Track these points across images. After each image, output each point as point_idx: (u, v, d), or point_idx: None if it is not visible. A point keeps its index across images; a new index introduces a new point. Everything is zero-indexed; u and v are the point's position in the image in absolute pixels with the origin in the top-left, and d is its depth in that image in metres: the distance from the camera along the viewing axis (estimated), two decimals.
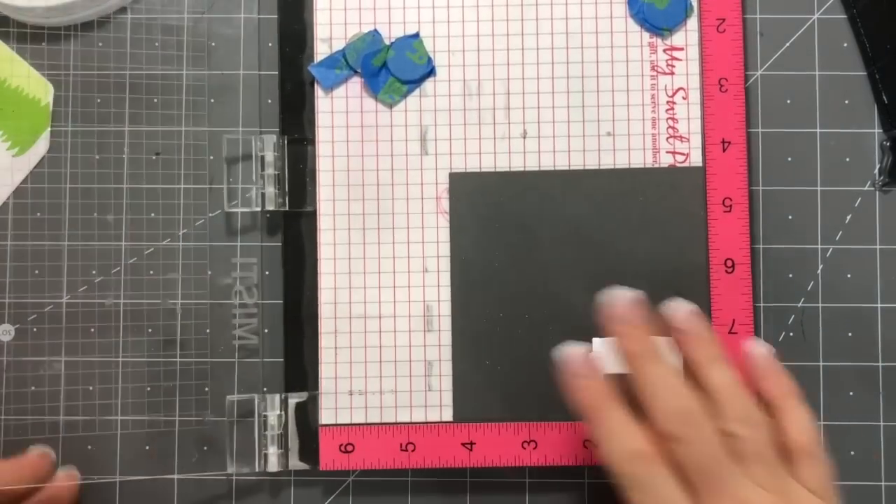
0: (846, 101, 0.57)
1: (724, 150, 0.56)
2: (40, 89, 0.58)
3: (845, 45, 0.58)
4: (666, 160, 0.56)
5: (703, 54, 0.56)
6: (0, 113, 0.58)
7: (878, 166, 0.57)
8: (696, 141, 0.56)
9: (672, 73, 0.56)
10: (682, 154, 0.56)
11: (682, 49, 0.57)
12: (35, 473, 0.54)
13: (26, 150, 0.58)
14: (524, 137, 0.57)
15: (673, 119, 0.56)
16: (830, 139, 0.57)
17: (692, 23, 0.57)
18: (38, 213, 0.58)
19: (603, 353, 0.47)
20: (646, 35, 0.57)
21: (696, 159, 0.56)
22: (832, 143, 0.57)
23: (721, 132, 0.56)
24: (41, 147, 0.58)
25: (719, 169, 0.56)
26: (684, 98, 0.56)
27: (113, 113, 0.58)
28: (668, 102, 0.56)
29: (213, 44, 0.58)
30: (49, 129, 0.58)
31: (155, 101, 0.58)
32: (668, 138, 0.56)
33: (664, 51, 0.57)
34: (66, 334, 0.57)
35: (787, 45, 0.58)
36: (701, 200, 0.56)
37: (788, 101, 0.57)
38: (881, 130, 0.57)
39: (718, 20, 0.56)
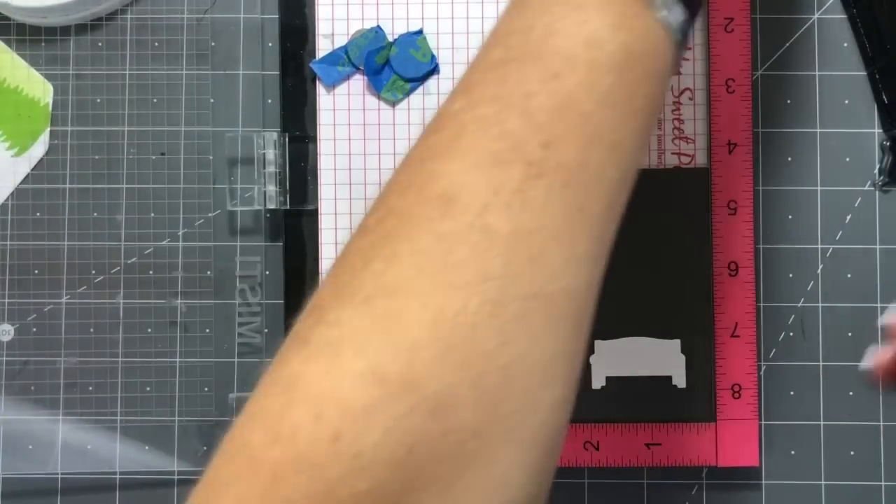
0: (846, 101, 0.56)
1: (730, 152, 0.54)
2: (40, 90, 0.57)
3: (845, 45, 0.56)
4: (671, 161, 0.55)
5: (711, 54, 0.55)
6: None
7: (878, 166, 0.56)
8: (702, 142, 0.55)
9: (679, 73, 0.55)
10: (688, 155, 0.55)
11: (689, 48, 0.55)
12: None
13: (26, 151, 0.56)
14: None
15: (679, 120, 0.55)
16: (830, 139, 0.56)
17: (699, 22, 0.55)
18: (38, 214, 0.56)
19: None
20: None
21: (701, 161, 0.55)
22: (832, 143, 0.56)
23: (727, 134, 0.54)
24: (41, 147, 0.56)
25: (725, 171, 0.54)
26: (690, 98, 0.55)
27: (113, 114, 0.56)
28: (674, 103, 0.55)
29: (214, 44, 0.56)
30: (49, 129, 0.56)
31: (155, 101, 0.56)
32: (673, 139, 0.55)
33: None
34: (66, 334, 0.56)
35: (788, 45, 0.56)
36: (706, 202, 0.54)
37: (788, 101, 0.56)
38: (881, 130, 0.56)
39: (726, 20, 0.55)
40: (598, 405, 0.53)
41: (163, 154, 0.56)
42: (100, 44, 0.56)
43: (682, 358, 0.53)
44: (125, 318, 0.56)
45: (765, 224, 0.55)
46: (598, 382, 0.53)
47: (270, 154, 0.55)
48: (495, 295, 0.29)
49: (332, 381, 0.28)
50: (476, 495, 0.29)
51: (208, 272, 0.56)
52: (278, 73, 0.55)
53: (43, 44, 0.57)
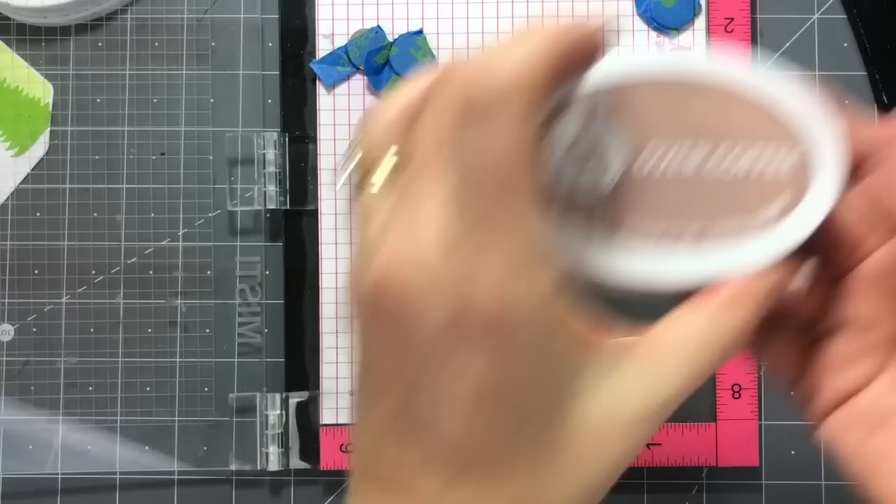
0: (846, 102, 0.55)
1: None
2: (40, 90, 0.56)
3: (845, 45, 0.56)
4: None
5: (711, 54, 0.53)
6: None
7: None
8: None
9: None
10: None
11: (689, 49, 0.55)
12: None
13: (26, 151, 0.56)
14: None
15: None
16: None
17: (700, 22, 0.55)
18: (38, 214, 0.56)
19: None
20: (653, 34, 0.55)
21: None
22: None
23: None
24: (41, 147, 0.56)
25: None
26: None
27: (113, 114, 0.56)
28: None
29: (214, 44, 0.56)
30: (49, 129, 0.56)
31: (155, 101, 0.56)
32: None
33: (671, 50, 0.55)
34: (66, 334, 0.56)
35: (787, 45, 0.56)
36: None
37: None
38: None
39: (727, 20, 0.55)
40: None
41: (163, 154, 0.56)
42: (100, 44, 0.56)
43: None
44: (125, 318, 0.56)
45: None
46: None
47: (270, 154, 0.54)
48: None
49: None
50: None
51: (208, 272, 0.56)
52: (278, 73, 0.55)
53: (43, 44, 0.56)
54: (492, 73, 0.25)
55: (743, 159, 0.31)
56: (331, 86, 0.55)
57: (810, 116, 0.30)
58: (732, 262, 0.29)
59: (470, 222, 0.25)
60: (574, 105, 0.31)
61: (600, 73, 0.30)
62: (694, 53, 0.31)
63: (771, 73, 0.31)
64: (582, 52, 0.27)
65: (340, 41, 0.55)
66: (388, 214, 0.27)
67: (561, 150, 0.30)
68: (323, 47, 0.55)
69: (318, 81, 0.55)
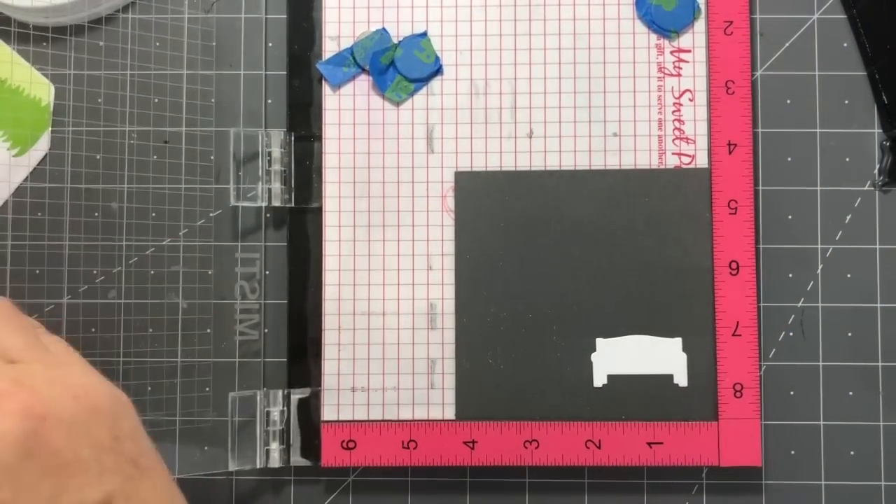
0: (846, 102, 0.57)
1: (730, 153, 0.56)
2: (41, 89, 0.57)
3: (845, 45, 0.58)
4: (672, 161, 0.56)
5: (710, 56, 0.56)
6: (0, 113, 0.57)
7: (877, 166, 0.57)
8: (703, 143, 0.56)
9: (679, 75, 0.56)
10: (688, 156, 0.56)
11: (689, 51, 0.56)
12: None
13: (27, 150, 0.57)
14: (530, 137, 0.56)
15: (679, 121, 0.56)
16: (830, 139, 0.57)
17: (699, 25, 0.56)
18: (39, 214, 0.57)
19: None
20: (653, 37, 0.56)
21: (701, 161, 0.56)
22: (832, 144, 0.57)
23: (727, 134, 0.56)
24: (42, 147, 0.57)
25: (725, 171, 0.56)
26: (691, 100, 0.56)
27: (114, 112, 0.57)
28: (674, 104, 0.56)
29: (216, 43, 0.58)
30: (50, 129, 0.57)
31: (157, 100, 0.57)
32: (674, 140, 0.56)
33: (671, 52, 0.56)
34: (67, 333, 0.56)
35: (787, 45, 0.58)
36: (706, 202, 0.55)
37: (788, 102, 0.57)
38: (881, 130, 0.57)
39: (726, 22, 0.56)
40: (599, 403, 0.55)
41: (166, 142, 0.57)
42: (101, 43, 0.57)
43: (684, 356, 0.55)
44: (125, 317, 0.57)
45: (765, 224, 0.57)
46: (599, 380, 0.55)
47: (276, 152, 0.56)
48: None
49: None
50: None
51: (209, 271, 0.57)
52: (280, 72, 0.57)
53: (44, 43, 0.57)
54: None
55: None
56: (336, 86, 0.56)
57: None
58: None
59: None
60: None
61: None
62: None
63: None
64: None
65: (346, 43, 0.56)
66: None
67: None
68: (329, 49, 0.56)
69: (324, 82, 0.56)
